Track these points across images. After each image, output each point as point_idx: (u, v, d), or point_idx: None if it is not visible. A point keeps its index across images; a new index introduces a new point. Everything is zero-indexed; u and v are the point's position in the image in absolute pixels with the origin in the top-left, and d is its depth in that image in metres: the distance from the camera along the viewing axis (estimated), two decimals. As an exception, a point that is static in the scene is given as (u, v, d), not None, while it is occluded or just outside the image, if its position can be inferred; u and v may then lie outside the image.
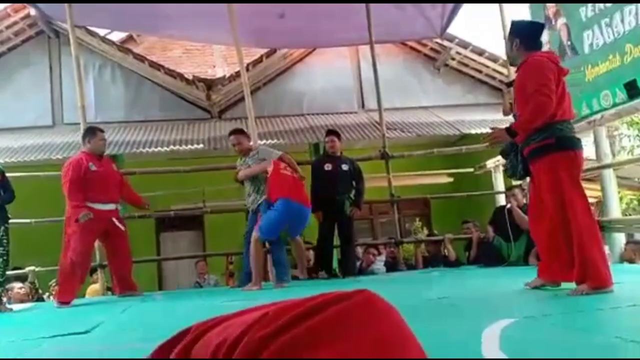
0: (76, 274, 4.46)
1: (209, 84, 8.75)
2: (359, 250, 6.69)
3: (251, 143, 5.28)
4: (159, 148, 8.03)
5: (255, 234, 4.67)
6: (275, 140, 8.04)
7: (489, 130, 3.23)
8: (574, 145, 3.01)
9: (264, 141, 7.69)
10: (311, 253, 6.11)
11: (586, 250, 2.86)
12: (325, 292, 0.61)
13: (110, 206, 4.72)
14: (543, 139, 3.02)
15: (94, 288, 6.27)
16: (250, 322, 0.58)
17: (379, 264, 6.60)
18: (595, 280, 2.82)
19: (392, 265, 6.50)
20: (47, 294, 6.35)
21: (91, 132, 4.82)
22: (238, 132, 5.27)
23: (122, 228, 4.82)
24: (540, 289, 3.19)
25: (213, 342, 0.59)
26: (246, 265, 5.01)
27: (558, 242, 3.05)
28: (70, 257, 4.44)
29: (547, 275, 3.20)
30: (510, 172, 3.40)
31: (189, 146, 8.08)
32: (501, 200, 6.60)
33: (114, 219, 4.75)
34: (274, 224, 4.65)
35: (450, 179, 9.15)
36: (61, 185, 4.56)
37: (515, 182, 5.37)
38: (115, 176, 4.94)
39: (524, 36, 3.18)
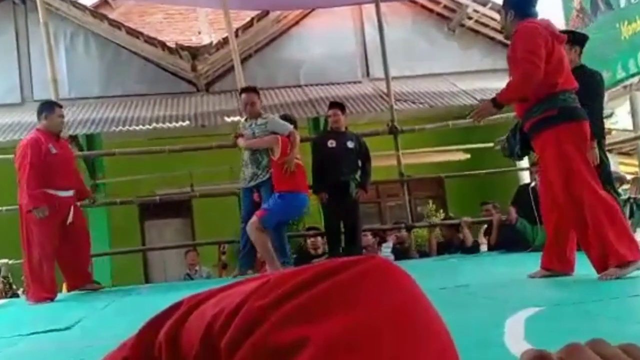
0: (46, 269, 4.49)
1: (194, 53, 8.68)
2: (370, 238, 6.70)
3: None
4: (140, 126, 8.00)
5: (255, 222, 4.69)
6: (270, 115, 8.00)
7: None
8: (578, 116, 3.08)
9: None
10: (319, 240, 6.21)
11: (602, 227, 2.92)
12: (332, 259, 0.61)
13: (71, 192, 4.74)
14: (544, 111, 3.08)
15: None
16: (250, 291, 0.58)
17: (386, 250, 6.62)
18: (615, 257, 2.88)
19: (401, 253, 6.54)
20: (21, 289, 6.41)
21: (49, 107, 4.75)
22: (252, 90, 5.29)
23: (71, 219, 4.82)
24: (555, 277, 3.22)
25: (208, 314, 0.59)
26: (243, 246, 5.12)
27: (563, 229, 3.14)
28: (36, 253, 4.46)
29: (547, 264, 3.28)
30: (507, 152, 3.46)
31: (174, 123, 8.06)
32: (525, 177, 6.61)
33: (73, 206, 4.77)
34: (279, 216, 4.82)
35: (467, 155, 9.14)
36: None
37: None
38: (73, 158, 4.97)
39: (519, 5, 3.24)
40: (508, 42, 3.32)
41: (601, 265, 2.95)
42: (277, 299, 0.55)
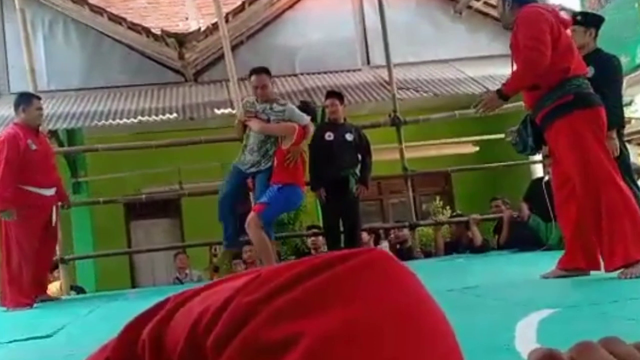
0: (25, 273, 4.49)
1: (181, 40, 8.67)
2: (365, 236, 6.70)
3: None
4: (124, 120, 7.99)
5: (255, 218, 4.67)
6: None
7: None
8: (593, 102, 3.10)
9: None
10: (320, 240, 6.22)
11: (618, 221, 2.92)
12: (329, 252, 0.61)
13: (53, 191, 4.74)
14: (559, 98, 3.08)
15: (54, 287, 6.34)
16: (239, 286, 0.57)
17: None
18: (622, 256, 2.89)
19: (403, 253, 6.54)
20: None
21: (26, 99, 4.76)
22: (263, 71, 5.08)
23: (55, 219, 4.82)
24: (570, 277, 3.23)
25: (194, 311, 0.59)
26: (226, 228, 5.12)
27: (585, 222, 3.12)
28: (15, 255, 4.46)
29: (570, 263, 3.26)
30: (520, 148, 3.46)
31: (160, 116, 8.05)
32: (538, 171, 6.62)
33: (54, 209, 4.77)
34: (278, 211, 4.91)
35: (476, 148, 9.15)
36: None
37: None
38: (53, 155, 4.98)
39: None
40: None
41: (612, 262, 2.96)
42: (268, 293, 0.54)
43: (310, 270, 0.55)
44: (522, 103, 3.58)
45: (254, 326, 0.53)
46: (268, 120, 4.92)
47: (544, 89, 3.12)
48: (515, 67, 3.25)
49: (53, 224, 4.77)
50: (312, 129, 4.99)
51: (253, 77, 5.02)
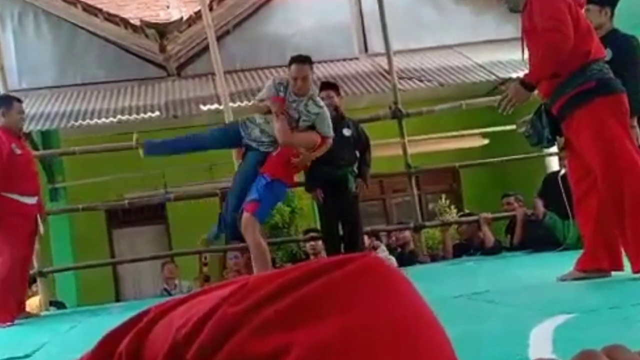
0: (15, 289, 4.51)
1: (162, 31, 8.67)
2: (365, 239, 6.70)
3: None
4: (103, 119, 8.00)
5: (251, 219, 4.59)
6: (253, 102, 7.98)
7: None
8: (616, 88, 3.10)
9: (238, 103, 7.67)
10: (320, 244, 6.25)
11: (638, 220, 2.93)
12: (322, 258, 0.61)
13: (35, 199, 4.76)
14: (580, 84, 3.07)
15: (33, 302, 6.34)
16: (225, 295, 0.58)
17: (382, 253, 6.59)
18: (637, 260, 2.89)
19: (404, 257, 6.54)
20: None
21: (7, 102, 4.81)
22: (307, 60, 4.89)
23: (42, 230, 4.86)
24: (590, 279, 3.23)
25: (175, 323, 0.59)
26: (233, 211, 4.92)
27: (607, 217, 3.11)
28: (5, 269, 4.48)
29: (590, 264, 3.25)
30: (534, 140, 3.44)
31: (142, 115, 8.05)
32: (553, 164, 6.63)
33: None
34: (268, 207, 4.96)
35: (485, 141, 9.16)
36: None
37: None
38: (34, 160, 5.02)
39: None
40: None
41: (638, 261, 2.97)
42: (256, 302, 0.54)
43: (301, 278, 0.55)
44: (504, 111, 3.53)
45: (241, 337, 0.53)
46: (297, 120, 4.72)
47: (562, 75, 3.10)
48: (528, 53, 3.24)
49: (40, 235, 4.81)
50: (330, 143, 4.88)
51: (293, 67, 4.79)
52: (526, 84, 3.16)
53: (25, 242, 4.71)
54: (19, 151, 4.64)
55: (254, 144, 4.86)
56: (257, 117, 4.84)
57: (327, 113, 4.90)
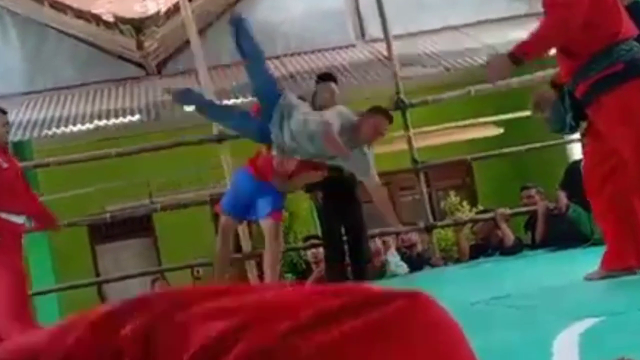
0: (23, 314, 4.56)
1: (139, 26, 8.67)
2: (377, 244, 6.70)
3: None
4: (79, 126, 8.00)
5: (277, 227, 5.04)
6: (241, 99, 8.00)
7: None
8: None
9: (225, 102, 7.66)
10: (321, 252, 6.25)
11: None
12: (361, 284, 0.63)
13: (22, 219, 4.79)
14: (606, 67, 3.04)
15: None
16: (253, 306, 0.59)
17: (393, 259, 6.59)
18: None
19: (412, 261, 6.53)
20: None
21: None
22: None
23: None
24: (617, 278, 3.22)
25: (199, 331, 0.60)
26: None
27: (628, 210, 3.10)
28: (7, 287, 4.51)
29: (616, 262, 3.23)
30: (556, 126, 3.43)
31: (120, 119, 8.06)
32: (576, 152, 6.61)
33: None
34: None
35: (500, 130, 9.14)
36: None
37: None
38: (22, 176, 5.02)
39: None
40: None
41: None
42: (301, 325, 0.55)
43: (344, 309, 0.57)
44: (550, 72, 3.54)
45: None
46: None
47: (584, 56, 3.08)
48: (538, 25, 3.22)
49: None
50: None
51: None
52: (516, 57, 3.12)
53: (21, 262, 4.73)
54: (5, 165, 4.66)
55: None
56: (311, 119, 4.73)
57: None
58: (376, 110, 4.97)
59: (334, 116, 4.69)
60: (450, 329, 0.58)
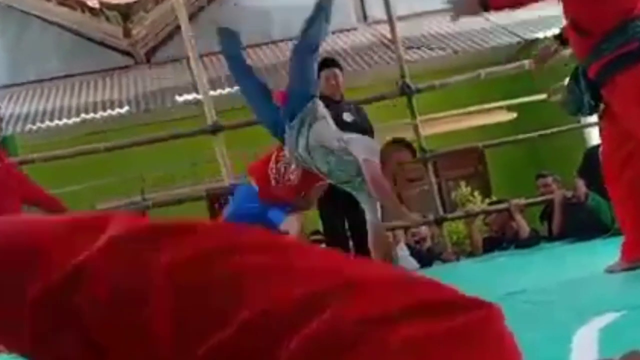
0: None
1: (126, 13, 8.67)
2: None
3: None
4: (65, 120, 8.01)
5: None
6: (235, 88, 7.95)
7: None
8: None
9: (219, 91, 7.66)
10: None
11: None
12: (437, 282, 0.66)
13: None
14: (620, 46, 3.01)
15: None
16: (315, 281, 0.60)
17: (402, 252, 6.60)
18: None
19: (422, 255, 6.53)
20: None
21: None
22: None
23: None
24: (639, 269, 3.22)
25: (247, 300, 0.60)
26: None
27: None
28: None
29: (638, 252, 3.21)
30: (573, 107, 3.42)
31: (109, 111, 8.06)
32: (594, 137, 6.60)
33: None
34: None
35: (513, 114, 9.13)
36: None
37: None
38: (15, 174, 5.04)
39: None
40: None
41: None
42: (381, 316, 0.56)
43: (416, 308, 0.59)
44: (566, 52, 3.51)
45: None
46: None
47: (596, 34, 3.06)
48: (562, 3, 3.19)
49: None
50: None
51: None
52: (485, 3, 3.11)
53: None
54: None
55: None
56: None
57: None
58: (401, 145, 4.84)
59: (367, 150, 4.26)
60: (514, 345, 0.65)
